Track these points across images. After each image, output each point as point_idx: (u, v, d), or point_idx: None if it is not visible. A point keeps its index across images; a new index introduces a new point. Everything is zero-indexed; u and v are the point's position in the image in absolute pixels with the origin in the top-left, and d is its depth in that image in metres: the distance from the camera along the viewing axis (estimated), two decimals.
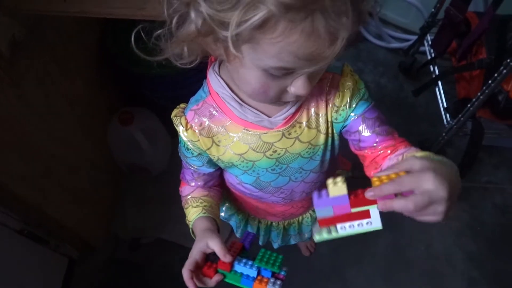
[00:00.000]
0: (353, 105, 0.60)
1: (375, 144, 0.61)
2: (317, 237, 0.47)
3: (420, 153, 0.52)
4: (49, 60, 0.97)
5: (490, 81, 1.13)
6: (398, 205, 0.43)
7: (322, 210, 0.45)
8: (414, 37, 1.67)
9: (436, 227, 1.42)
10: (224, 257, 0.56)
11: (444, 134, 1.38)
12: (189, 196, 0.71)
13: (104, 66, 1.28)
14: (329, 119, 0.62)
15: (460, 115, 1.29)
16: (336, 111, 0.61)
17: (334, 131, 0.64)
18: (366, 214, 0.44)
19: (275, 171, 0.67)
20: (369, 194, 0.44)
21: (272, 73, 0.46)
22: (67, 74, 1.06)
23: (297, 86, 0.49)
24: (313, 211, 0.92)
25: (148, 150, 1.32)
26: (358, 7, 0.42)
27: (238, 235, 0.95)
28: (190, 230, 0.68)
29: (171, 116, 0.64)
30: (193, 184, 0.72)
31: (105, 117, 1.31)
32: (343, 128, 0.64)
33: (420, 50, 1.67)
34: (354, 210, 0.44)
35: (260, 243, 0.95)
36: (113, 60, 1.22)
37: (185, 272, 0.57)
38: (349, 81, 0.60)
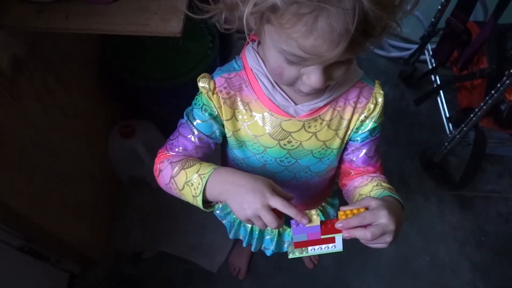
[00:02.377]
0: (378, 122, 0.64)
1: (365, 166, 0.69)
2: (290, 255, 0.58)
3: (385, 184, 0.65)
4: (49, 76, 0.96)
5: (493, 91, 1.13)
6: (359, 233, 0.53)
7: (298, 236, 0.55)
8: (414, 46, 1.68)
9: (440, 237, 1.42)
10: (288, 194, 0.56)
11: (446, 143, 1.38)
12: (186, 158, 0.62)
13: (104, 80, 1.27)
14: (351, 126, 0.64)
15: (462, 125, 1.29)
16: (362, 121, 0.64)
17: (346, 139, 0.66)
18: (332, 240, 0.56)
19: (283, 163, 0.68)
20: (338, 225, 0.54)
21: (286, 57, 0.49)
22: (66, 89, 1.05)
23: (309, 77, 0.51)
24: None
25: (149, 163, 1.30)
26: (369, 19, 0.43)
27: (230, 236, 0.95)
28: (203, 184, 0.56)
29: (198, 78, 0.61)
30: (181, 152, 0.65)
31: (105, 130, 1.30)
32: (353, 141, 0.67)
33: (421, 59, 1.68)
34: (323, 236, 0.55)
35: (253, 249, 0.94)
36: (113, 73, 1.22)
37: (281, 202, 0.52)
38: (381, 97, 0.63)
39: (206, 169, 0.57)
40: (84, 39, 1.15)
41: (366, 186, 0.66)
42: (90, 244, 1.24)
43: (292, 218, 0.53)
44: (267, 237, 0.91)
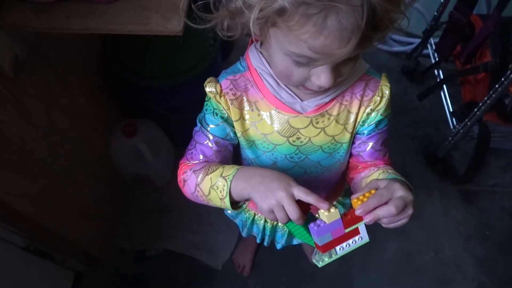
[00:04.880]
0: (384, 115, 0.64)
1: (372, 160, 0.68)
2: (320, 263, 0.53)
3: (391, 170, 0.64)
4: (50, 76, 0.96)
5: (497, 86, 1.12)
6: (383, 211, 0.51)
7: (323, 238, 0.50)
8: (417, 41, 1.66)
9: (444, 232, 1.41)
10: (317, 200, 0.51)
11: (450, 138, 1.37)
12: (208, 164, 0.63)
13: (105, 79, 1.27)
14: (358, 119, 0.64)
15: (466, 120, 1.28)
16: (368, 114, 0.64)
17: (355, 132, 0.67)
18: (356, 232, 0.52)
19: (293, 160, 0.68)
20: (359, 211, 0.51)
21: (294, 59, 0.49)
22: (68, 89, 1.05)
23: (318, 77, 0.50)
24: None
25: (152, 161, 1.31)
26: (377, 13, 0.44)
27: (244, 234, 0.95)
28: (228, 185, 0.57)
29: (204, 84, 0.62)
30: (202, 159, 0.65)
31: (107, 130, 1.30)
32: (360, 134, 0.67)
33: (423, 54, 1.66)
34: (347, 230, 0.51)
35: (265, 244, 0.95)
36: (114, 72, 1.22)
37: (293, 205, 0.51)
38: (388, 90, 0.63)
39: (230, 170, 0.58)
40: (85, 38, 1.15)
41: (372, 175, 0.66)
42: (94, 243, 1.25)
43: (311, 222, 0.51)
44: (279, 232, 0.92)
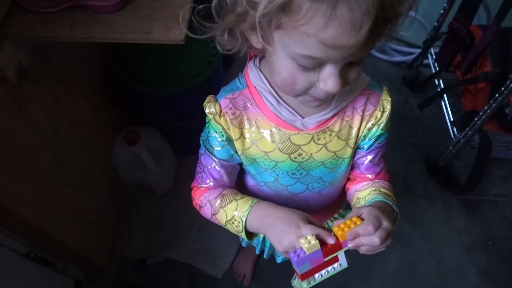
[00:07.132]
0: (384, 130, 0.64)
1: (369, 173, 0.69)
2: None
3: (383, 189, 0.66)
4: (54, 83, 0.97)
5: (497, 95, 1.13)
6: (367, 241, 0.52)
7: (303, 267, 0.52)
8: (417, 51, 1.68)
9: (446, 242, 1.40)
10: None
11: (451, 147, 1.37)
12: (221, 194, 0.66)
13: (108, 87, 1.29)
14: (360, 134, 0.64)
15: (467, 129, 1.28)
16: (369, 129, 0.63)
17: (356, 147, 0.66)
18: (335, 259, 0.54)
19: (295, 176, 0.68)
20: (350, 237, 0.52)
21: (300, 63, 0.47)
22: (71, 96, 1.07)
23: (325, 82, 0.48)
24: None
25: (154, 169, 1.31)
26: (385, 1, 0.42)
27: (243, 244, 0.96)
28: (243, 222, 0.62)
29: (204, 104, 0.62)
30: (212, 183, 0.68)
31: (110, 137, 1.31)
32: (360, 148, 0.66)
33: (424, 63, 1.67)
34: (326, 259, 0.53)
35: (265, 256, 0.94)
36: (117, 80, 1.23)
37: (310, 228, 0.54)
38: (389, 105, 0.62)
39: (244, 206, 0.62)
40: (88, 47, 1.17)
41: (365, 190, 0.67)
42: (95, 250, 1.25)
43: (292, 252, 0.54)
44: None
